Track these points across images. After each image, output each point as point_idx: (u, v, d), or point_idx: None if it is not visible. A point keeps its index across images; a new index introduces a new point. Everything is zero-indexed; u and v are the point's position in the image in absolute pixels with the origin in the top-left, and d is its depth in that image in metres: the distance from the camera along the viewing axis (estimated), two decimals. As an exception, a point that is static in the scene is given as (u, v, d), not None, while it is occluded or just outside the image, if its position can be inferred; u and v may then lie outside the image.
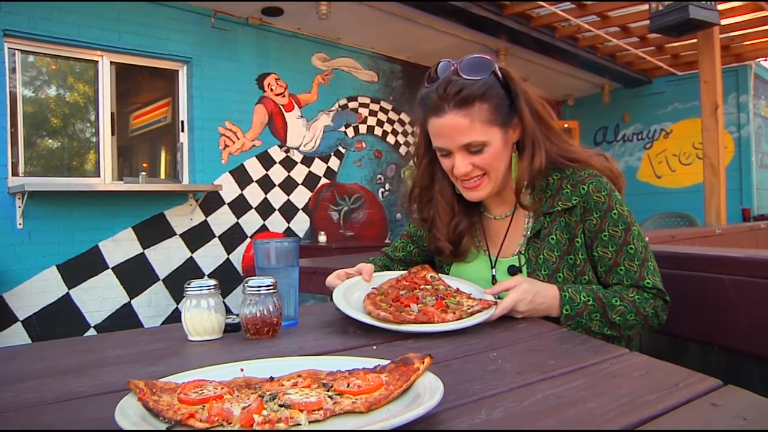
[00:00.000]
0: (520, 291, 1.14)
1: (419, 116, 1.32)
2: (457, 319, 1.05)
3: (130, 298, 4.42)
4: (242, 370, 0.78)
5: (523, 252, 1.31)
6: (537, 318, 1.16)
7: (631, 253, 1.24)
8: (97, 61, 4.42)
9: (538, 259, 1.28)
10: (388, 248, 1.57)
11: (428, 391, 0.66)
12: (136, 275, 4.44)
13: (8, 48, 3.99)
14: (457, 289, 1.21)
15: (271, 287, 1.06)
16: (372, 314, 1.07)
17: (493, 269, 1.35)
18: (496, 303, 1.12)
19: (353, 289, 1.23)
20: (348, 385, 0.70)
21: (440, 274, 1.31)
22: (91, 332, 4.22)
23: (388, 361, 0.75)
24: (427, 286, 1.22)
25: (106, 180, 4.42)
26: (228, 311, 1.13)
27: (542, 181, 1.30)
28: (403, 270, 1.41)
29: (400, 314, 1.06)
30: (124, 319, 4.36)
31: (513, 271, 1.31)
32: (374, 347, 0.97)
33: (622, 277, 1.24)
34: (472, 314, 1.07)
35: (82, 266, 4.20)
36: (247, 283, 1.06)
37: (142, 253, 4.48)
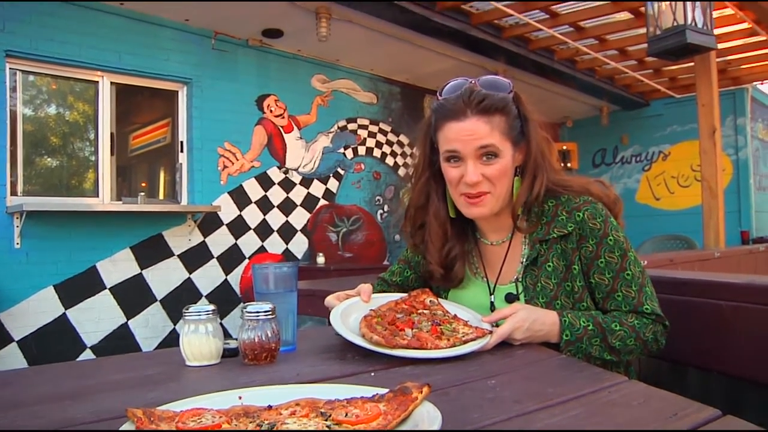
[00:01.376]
0: (517, 318, 1.15)
1: (421, 134, 1.35)
2: (450, 347, 1.05)
3: (127, 319, 4.40)
4: (240, 398, 0.78)
5: (520, 279, 1.31)
6: (535, 344, 1.16)
7: (628, 279, 1.24)
8: (98, 82, 4.46)
9: (536, 287, 1.28)
10: (384, 273, 1.58)
11: (426, 421, 0.66)
12: (133, 296, 4.42)
13: (9, 68, 4.03)
14: (455, 315, 1.21)
15: (270, 313, 1.07)
16: (366, 337, 1.08)
17: (492, 296, 1.35)
18: (491, 332, 1.12)
19: (351, 310, 1.22)
20: (346, 415, 0.70)
21: (440, 300, 1.31)
22: (87, 353, 4.19)
23: (387, 390, 0.75)
24: (425, 311, 1.22)
25: (104, 200, 4.43)
26: (226, 334, 1.13)
27: (538, 208, 1.31)
28: None
29: (394, 338, 1.07)
30: (120, 340, 4.34)
31: (510, 299, 1.31)
32: (372, 374, 0.97)
33: (620, 303, 1.24)
34: (465, 342, 1.07)
35: (80, 287, 4.19)
36: (245, 308, 1.07)
37: (140, 273, 4.47)
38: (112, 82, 4.51)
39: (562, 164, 6.62)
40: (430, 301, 1.27)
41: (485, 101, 1.24)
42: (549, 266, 1.29)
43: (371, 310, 1.20)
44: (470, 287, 1.39)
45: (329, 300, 1.30)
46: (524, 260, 1.33)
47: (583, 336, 1.18)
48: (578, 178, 1.36)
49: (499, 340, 1.12)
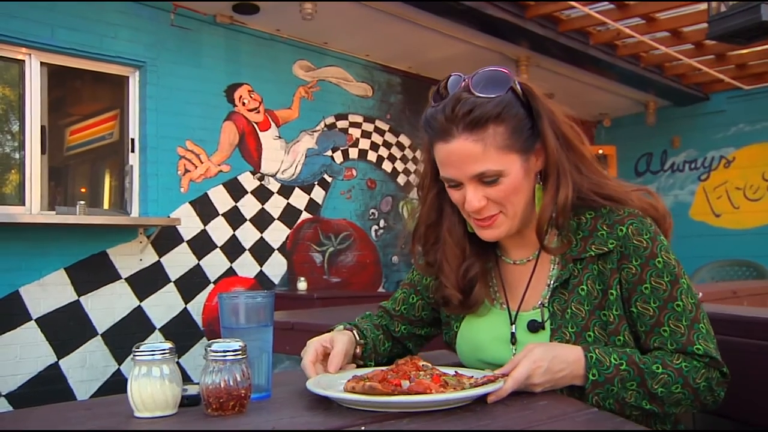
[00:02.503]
0: (534, 358, 1.15)
1: (425, 141, 1.36)
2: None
3: (58, 358, 4.38)
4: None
5: (546, 305, 1.33)
6: (560, 394, 1.18)
7: (678, 312, 1.25)
8: (24, 61, 4.43)
9: (565, 314, 1.29)
10: (386, 302, 1.59)
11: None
12: (67, 329, 4.41)
13: None
14: (456, 372, 1.22)
15: (239, 352, 1.07)
16: (356, 389, 1.08)
17: (513, 325, 1.36)
18: (504, 377, 1.13)
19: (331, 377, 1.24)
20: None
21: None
22: (2, 403, 4.14)
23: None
24: (420, 372, 1.22)
25: (32, 209, 4.42)
26: (185, 378, 1.13)
27: (573, 221, 1.33)
28: (404, 331, 1.51)
29: (391, 386, 1.08)
30: (48, 384, 4.31)
31: (534, 327, 1.32)
32: (363, 427, 0.98)
33: (666, 339, 1.25)
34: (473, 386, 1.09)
35: (-2, 317, 4.18)
36: (209, 347, 1.08)
37: (77, 300, 4.46)
38: (42, 63, 4.49)
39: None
40: (423, 364, 1.27)
41: (473, 113, 1.23)
42: (582, 290, 1.30)
43: (354, 375, 1.20)
44: (487, 315, 1.41)
45: (305, 364, 1.29)
46: (552, 282, 1.34)
47: (614, 377, 1.18)
48: (619, 185, 1.36)
49: (517, 384, 1.12)
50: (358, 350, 1.40)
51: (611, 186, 1.34)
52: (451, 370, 1.24)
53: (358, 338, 1.41)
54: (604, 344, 1.26)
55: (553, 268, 1.36)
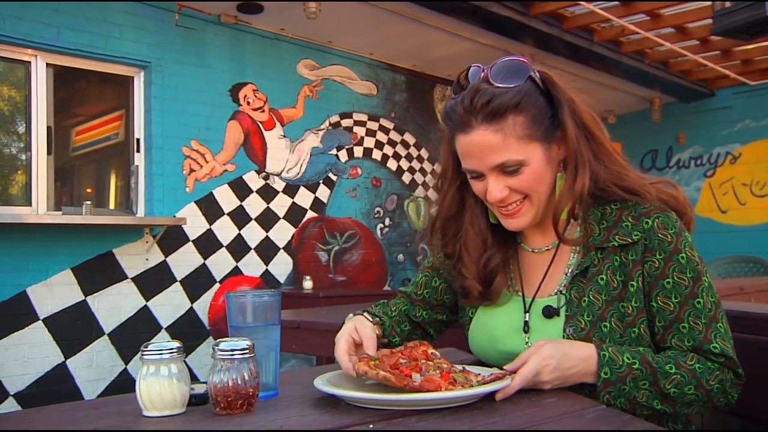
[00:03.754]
0: (543, 355, 1.16)
1: (445, 134, 1.37)
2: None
3: (66, 358, 4.40)
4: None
5: (563, 291, 1.33)
6: (569, 391, 1.17)
7: (698, 309, 1.25)
8: (30, 62, 4.46)
9: (581, 302, 1.29)
10: (407, 287, 1.59)
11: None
12: (74, 329, 4.42)
13: None
14: (463, 368, 1.22)
15: (247, 351, 1.07)
16: (369, 375, 1.09)
17: (527, 313, 1.36)
18: (511, 374, 1.13)
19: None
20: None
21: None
22: (11, 402, 4.16)
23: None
24: (429, 362, 1.23)
25: (39, 210, 4.44)
26: (192, 377, 1.13)
27: (597, 211, 1.33)
28: (425, 316, 1.52)
29: (403, 380, 1.08)
30: (55, 384, 4.32)
31: (549, 313, 1.32)
32: (371, 426, 0.98)
33: (684, 336, 1.25)
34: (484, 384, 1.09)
35: (4, 317, 4.18)
36: (217, 346, 1.08)
37: (84, 300, 4.48)
38: (48, 64, 4.52)
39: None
40: (432, 353, 1.28)
41: (492, 103, 1.23)
42: (602, 279, 1.30)
43: (364, 355, 1.21)
44: (504, 304, 1.41)
45: (339, 354, 1.28)
46: (571, 270, 1.35)
47: (626, 376, 1.18)
48: (640, 178, 1.34)
49: (525, 381, 1.12)
50: (378, 331, 1.39)
51: (631, 178, 1.33)
52: (458, 366, 1.24)
53: (371, 320, 1.40)
54: (619, 335, 1.26)
55: (573, 257, 1.36)
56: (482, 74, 1.27)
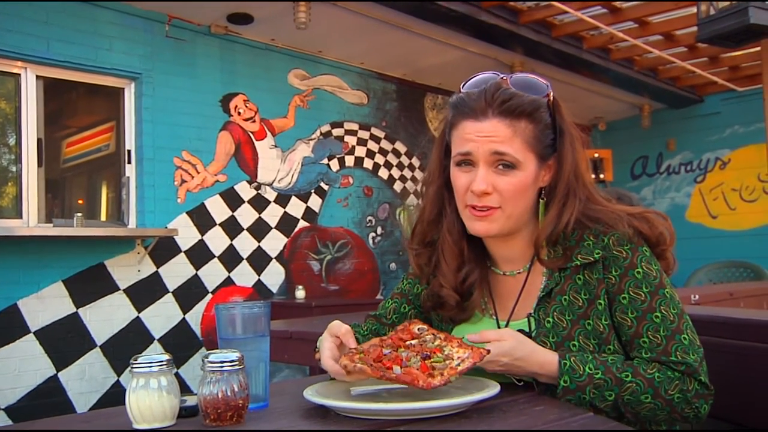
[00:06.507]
0: (499, 351, 1.20)
1: (445, 123, 1.40)
2: (444, 382, 1.09)
3: (57, 371, 4.38)
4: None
5: (533, 314, 1.34)
6: (557, 401, 1.19)
7: (656, 323, 1.26)
8: (20, 75, 4.45)
9: (545, 323, 1.31)
10: (376, 311, 1.59)
11: None
12: (66, 341, 4.41)
13: None
14: (446, 335, 1.25)
15: (236, 363, 1.08)
16: (348, 368, 1.13)
17: None
18: (488, 352, 1.17)
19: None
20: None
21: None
22: (2, 417, 4.13)
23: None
24: (413, 342, 1.24)
25: (30, 222, 4.43)
26: (183, 388, 1.14)
27: (563, 237, 1.35)
28: None
29: (381, 371, 1.12)
30: (47, 397, 4.30)
31: None
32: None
33: (643, 349, 1.26)
34: (460, 373, 1.12)
35: (-3, 331, 4.17)
36: (207, 358, 1.09)
37: (75, 313, 4.46)
38: (38, 76, 4.51)
39: (594, 176, 6.63)
40: (419, 329, 1.29)
41: (511, 101, 1.28)
42: (564, 299, 1.32)
43: (351, 348, 1.23)
44: (478, 324, 1.42)
45: (326, 362, 1.26)
46: (541, 292, 1.36)
47: (587, 385, 1.20)
48: (611, 212, 1.33)
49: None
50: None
51: (604, 212, 1.33)
52: (441, 335, 1.26)
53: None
54: (589, 353, 1.27)
55: (544, 279, 1.38)
56: (500, 78, 1.33)
